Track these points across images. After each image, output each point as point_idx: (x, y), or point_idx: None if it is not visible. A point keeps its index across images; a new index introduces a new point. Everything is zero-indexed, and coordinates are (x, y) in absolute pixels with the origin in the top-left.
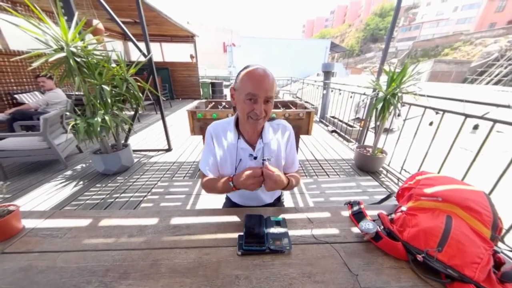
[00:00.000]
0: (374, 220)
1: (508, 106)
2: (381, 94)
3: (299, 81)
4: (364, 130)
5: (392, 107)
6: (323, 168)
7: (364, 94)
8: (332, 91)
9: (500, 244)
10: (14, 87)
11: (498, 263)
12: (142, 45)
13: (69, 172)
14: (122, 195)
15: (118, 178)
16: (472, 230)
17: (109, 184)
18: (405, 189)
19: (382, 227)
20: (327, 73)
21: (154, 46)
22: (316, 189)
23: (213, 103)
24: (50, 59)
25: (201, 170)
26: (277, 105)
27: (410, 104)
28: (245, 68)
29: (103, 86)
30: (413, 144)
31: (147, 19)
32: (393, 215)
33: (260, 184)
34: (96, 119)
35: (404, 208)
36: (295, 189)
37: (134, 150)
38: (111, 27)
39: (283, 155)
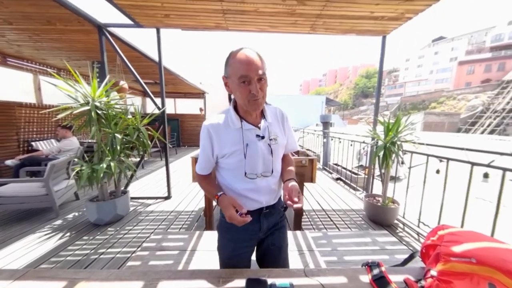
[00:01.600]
0: None
1: (511, 154)
2: (380, 143)
3: (299, 130)
4: (369, 177)
5: (394, 155)
6: (331, 220)
7: (364, 142)
8: (332, 139)
9: None
10: (35, 135)
11: None
12: (158, 100)
13: (58, 222)
14: (109, 250)
15: (109, 229)
16: None
17: (97, 237)
18: (429, 247)
19: None
20: (326, 124)
21: (169, 101)
22: (326, 245)
23: None
24: (75, 112)
25: (196, 171)
26: None
27: (412, 152)
28: (230, 54)
29: (116, 134)
30: (424, 194)
31: (166, 80)
32: (422, 282)
33: (239, 224)
34: (101, 165)
35: (434, 273)
36: (303, 246)
37: (132, 198)
38: (135, 86)
39: (284, 137)
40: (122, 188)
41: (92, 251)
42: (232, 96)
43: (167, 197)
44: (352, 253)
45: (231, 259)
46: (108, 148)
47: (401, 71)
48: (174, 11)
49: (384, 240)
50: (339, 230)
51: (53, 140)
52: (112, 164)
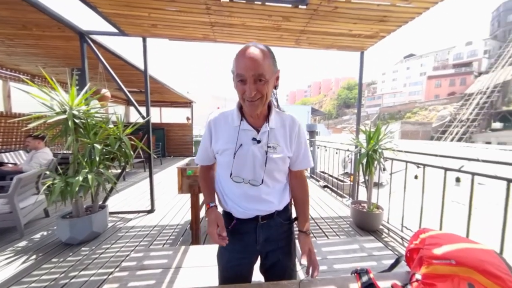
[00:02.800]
0: None
1: (477, 160)
2: (363, 150)
3: None
4: (355, 184)
5: (376, 162)
6: (320, 228)
7: (348, 150)
8: (318, 147)
9: None
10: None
11: None
12: (143, 109)
13: (22, 243)
14: (82, 272)
15: (83, 248)
16: None
17: (68, 258)
18: (413, 251)
19: None
20: (312, 132)
21: (154, 110)
22: (317, 254)
23: None
24: (49, 121)
25: (196, 162)
26: None
27: (392, 159)
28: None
29: (95, 144)
30: (405, 198)
31: (151, 89)
32: (409, 287)
33: (216, 243)
34: (77, 178)
35: (419, 276)
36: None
37: (111, 213)
38: (118, 95)
39: (289, 149)
40: (100, 203)
41: (62, 275)
42: None
43: (150, 211)
44: (341, 261)
45: (228, 270)
46: (85, 160)
47: (378, 84)
48: (161, 21)
49: (371, 246)
50: (328, 238)
51: (21, 152)
52: (89, 176)
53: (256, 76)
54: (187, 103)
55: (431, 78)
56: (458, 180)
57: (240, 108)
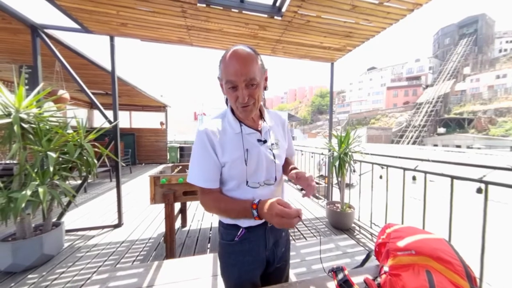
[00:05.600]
0: None
1: (428, 160)
2: (335, 154)
3: None
4: (329, 186)
5: (347, 164)
6: (298, 230)
7: (322, 154)
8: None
9: None
10: None
11: None
12: (110, 112)
13: None
14: None
15: (30, 276)
16: (453, 284)
17: None
18: (381, 245)
19: None
20: None
21: (123, 114)
22: (296, 257)
23: (180, 167)
24: None
25: (198, 187)
26: None
27: (360, 161)
28: (224, 53)
29: (48, 153)
30: (373, 197)
31: (120, 91)
32: (379, 279)
33: (290, 226)
34: (23, 192)
35: (386, 269)
36: None
37: (68, 230)
38: (79, 97)
39: (285, 141)
40: (54, 220)
41: None
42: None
43: (118, 225)
44: (319, 261)
45: (242, 287)
46: (36, 170)
47: (347, 92)
48: (132, 21)
49: (345, 244)
50: (306, 239)
51: None
52: (40, 190)
53: (247, 81)
54: (161, 107)
55: (390, 88)
56: (414, 178)
57: (233, 113)
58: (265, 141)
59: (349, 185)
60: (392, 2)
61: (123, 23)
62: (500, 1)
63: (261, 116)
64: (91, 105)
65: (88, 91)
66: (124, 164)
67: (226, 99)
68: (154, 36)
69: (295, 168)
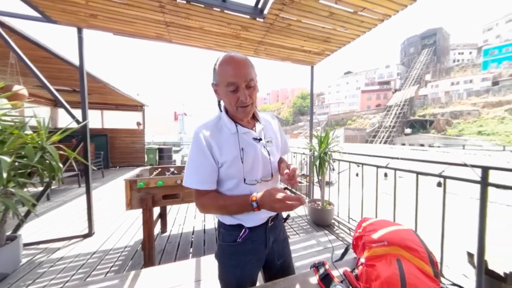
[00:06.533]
0: (342, 281)
1: (397, 158)
2: (316, 153)
3: None
4: (310, 184)
5: (327, 163)
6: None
7: (304, 153)
8: None
9: (443, 279)
10: None
11: None
12: (78, 111)
13: None
14: None
15: None
16: (419, 270)
17: None
18: (358, 238)
19: (350, 287)
20: None
21: (94, 113)
22: None
23: (160, 169)
24: None
25: (194, 189)
26: None
27: (339, 160)
28: (218, 59)
29: (1, 157)
30: (351, 194)
31: (90, 88)
32: (356, 271)
33: (291, 208)
34: None
35: (363, 260)
36: None
37: (27, 244)
38: (41, 93)
39: (278, 139)
40: (9, 233)
41: None
42: (222, 103)
43: (88, 235)
44: (302, 257)
45: (244, 287)
46: None
47: (326, 95)
48: (103, 12)
49: (325, 240)
50: (289, 237)
51: None
52: None
53: (247, 82)
54: (138, 106)
55: (364, 92)
56: (386, 175)
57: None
58: (260, 139)
59: (329, 183)
60: (365, 12)
61: (92, 14)
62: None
63: (254, 117)
64: (55, 103)
65: (51, 87)
66: (95, 168)
67: (219, 103)
68: (128, 31)
69: (284, 163)
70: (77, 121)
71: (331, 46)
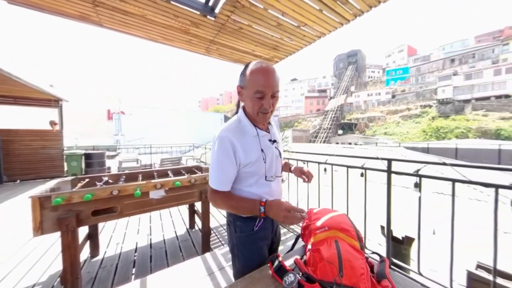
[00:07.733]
0: (293, 269)
1: (333, 155)
2: None
3: (201, 146)
4: None
5: None
6: None
7: None
8: None
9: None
10: None
11: (371, 267)
12: None
13: None
14: None
15: None
16: (350, 246)
17: None
18: (305, 228)
19: (300, 273)
20: None
21: None
22: None
23: (87, 180)
24: None
25: (211, 187)
26: (181, 171)
27: (288, 159)
28: (248, 65)
29: None
30: (298, 189)
31: None
32: (305, 257)
33: (296, 221)
34: None
35: (310, 246)
36: (214, 267)
37: None
38: None
39: (280, 139)
40: None
41: None
42: (241, 104)
43: None
44: None
45: (260, 254)
46: None
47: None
48: None
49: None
50: None
51: None
52: None
53: (273, 93)
54: (51, 101)
55: (307, 98)
56: (325, 170)
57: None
58: (274, 141)
59: (282, 181)
60: (306, 28)
61: None
62: (369, 42)
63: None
64: None
65: None
66: None
67: (238, 103)
68: (39, 4)
69: (289, 164)
70: None
71: (280, 54)
